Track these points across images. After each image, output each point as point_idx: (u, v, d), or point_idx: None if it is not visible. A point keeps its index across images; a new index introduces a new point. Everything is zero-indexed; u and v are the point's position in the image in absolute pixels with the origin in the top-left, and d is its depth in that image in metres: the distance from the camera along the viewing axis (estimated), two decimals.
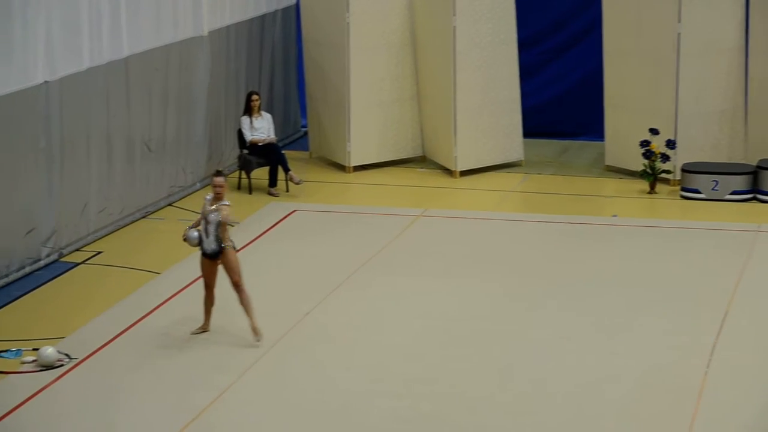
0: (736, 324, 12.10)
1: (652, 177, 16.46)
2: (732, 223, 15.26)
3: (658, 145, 16.42)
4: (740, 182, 16.11)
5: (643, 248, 14.35)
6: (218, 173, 11.71)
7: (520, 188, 17.04)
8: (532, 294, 12.93)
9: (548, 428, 10.02)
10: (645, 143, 16.46)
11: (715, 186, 16.14)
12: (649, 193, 16.47)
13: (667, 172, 16.50)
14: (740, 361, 11.30)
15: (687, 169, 16.34)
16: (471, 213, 15.78)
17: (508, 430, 10.01)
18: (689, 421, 10.13)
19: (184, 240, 11.69)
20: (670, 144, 16.44)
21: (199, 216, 11.78)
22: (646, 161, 16.45)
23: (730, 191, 16.12)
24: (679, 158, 16.54)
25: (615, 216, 15.53)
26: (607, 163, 17.47)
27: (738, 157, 16.69)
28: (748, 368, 11.14)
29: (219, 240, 11.56)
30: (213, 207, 11.63)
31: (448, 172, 17.37)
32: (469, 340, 11.74)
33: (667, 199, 16.33)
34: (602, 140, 17.56)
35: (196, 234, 11.63)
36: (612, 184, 16.95)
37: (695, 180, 16.23)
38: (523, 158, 17.72)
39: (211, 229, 11.60)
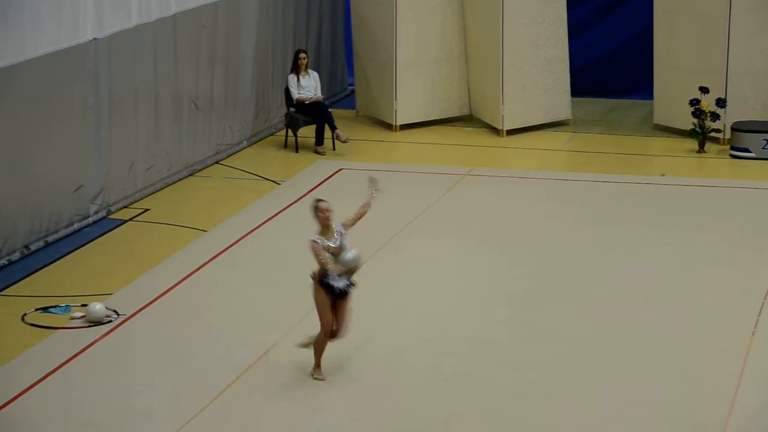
0: None
1: (702, 136, 16.32)
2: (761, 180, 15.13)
3: (707, 103, 16.26)
4: None
5: (692, 208, 14.25)
6: (320, 200, 10.17)
7: (568, 147, 16.95)
8: (577, 254, 12.88)
9: (592, 388, 10.02)
10: (694, 102, 16.31)
11: (766, 145, 15.98)
12: (698, 152, 16.34)
13: (717, 131, 16.35)
14: None
15: (737, 128, 16.19)
16: (517, 172, 15.72)
17: (550, 388, 10.01)
18: (736, 380, 10.10)
19: (346, 265, 9.99)
20: (720, 102, 16.28)
21: (322, 257, 9.97)
22: (695, 120, 16.31)
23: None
24: (729, 117, 16.38)
25: (663, 175, 15.42)
26: (655, 122, 17.34)
27: None
28: None
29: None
30: (335, 236, 10.03)
31: (495, 131, 17.30)
32: (514, 300, 11.73)
33: (716, 158, 16.19)
34: (651, 99, 17.41)
35: (352, 254, 10.02)
36: (660, 143, 16.82)
37: (745, 139, 16.08)
38: (570, 117, 17.62)
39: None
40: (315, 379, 10.10)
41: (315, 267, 10.01)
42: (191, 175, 15.58)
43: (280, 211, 14.23)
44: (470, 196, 14.83)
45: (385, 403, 9.79)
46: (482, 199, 14.76)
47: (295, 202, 14.49)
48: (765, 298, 11.70)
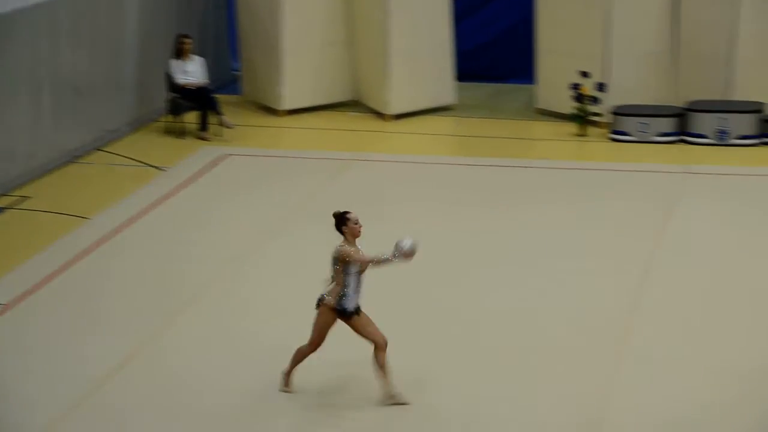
0: (664, 262, 12.26)
1: (582, 120, 16.56)
2: (660, 164, 15.41)
3: (588, 87, 16.51)
4: (668, 124, 16.26)
5: (573, 191, 14.46)
6: (348, 212, 9.64)
7: (452, 132, 17.08)
8: (461, 236, 13.00)
9: (475, 368, 10.13)
10: (575, 86, 16.54)
11: (644, 128, 16.28)
12: (579, 135, 16.58)
13: (597, 114, 16.60)
14: (668, 298, 11.48)
15: (616, 112, 16.45)
16: (404, 156, 15.80)
17: (438, 370, 10.10)
18: (616, 360, 10.29)
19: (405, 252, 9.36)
20: (600, 87, 16.53)
21: (363, 255, 9.46)
22: (576, 104, 16.54)
23: (658, 133, 16.27)
24: (610, 101, 16.64)
25: (546, 159, 15.62)
26: (538, 106, 17.55)
27: (666, 100, 16.82)
28: (675, 305, 11.31)
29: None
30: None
31: (381, 116, 17.36)
32: (401, 283, 11.79)
33: (596, 142, 16.44)
34: (534, 83, 17.62)
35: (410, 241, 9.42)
36: (543, 127, 17.03)
37: (624, 122, 16.35)
38: (455, 101, 17.75)
39: (352, 282, 9.46)
40: (283, 391, 9.63)
41: (324, 289, 9.47)
42: (73, 161, 15.38)
43: (164, 198, 14.13)
44: (358, 181, 14.87)
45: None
46: (368, 183, 14.81)
47: (180, 189, 14.40)
48: (645, 279, 11.93)
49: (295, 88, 17.54)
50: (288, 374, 9.73)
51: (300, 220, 13.49)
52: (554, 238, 12.90)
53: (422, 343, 10.55)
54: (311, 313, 10.10)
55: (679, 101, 16.65)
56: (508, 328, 10.88)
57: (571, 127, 16.69)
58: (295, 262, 12.31)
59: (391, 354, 9.50)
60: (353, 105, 17.93)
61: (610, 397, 9.70)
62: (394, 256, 9.33)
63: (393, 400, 9.49)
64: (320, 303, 9.54)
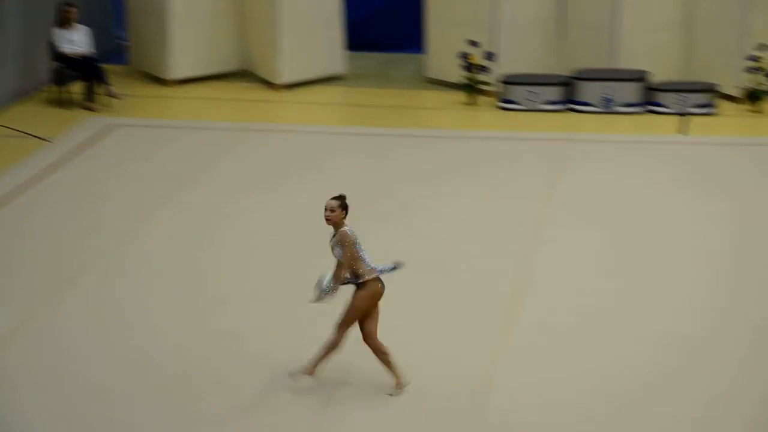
0: (553, 227, 12.41)
1: (472, 88, 16.65)
2: (548, 132, 15.56)
3: (477, 56, 16.60)
4: (555, 93, 16.43)
5: (463, 159, 14.54)
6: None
7: (342, 101, 17.06)
8: (354, 205, 13.00)
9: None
10: (464, 55, 16.62)
11: (532, 97, 16.42)
12: (469, 104, 16.67)
13: (486, 83, 16.70)
14: (558, 262, 11.62)
15: (505, 81, 16.57)
16: (294, 126, 15.75)
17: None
18: (507, 327, 10.40)
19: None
20: (489, 56, 16.63)
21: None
22: (465, 73, 16.62)
23: (546, 101, 16.43)
24: (498, 70, 16.74)
25: (436, 128, 15.69)
26: (427, 75, 17.59)
27: (554, 68, 16.98)
28: (566, 269, 11.46)
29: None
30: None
31: (272, 85, 17.27)
32: (294, 254, 11.79)
33: (485, 111, 16.54)
34: (423, 53, 17.65)
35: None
36: (432, 97, 17.09)
37: (513, 91, 16.47)
38: (345, 71, 17.72)
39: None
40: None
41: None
42: None
43: (51, 170, 13.91)
44: (249, 152, 14.78)
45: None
46: (258, 154, 14.73)
47: (66, 161, 14.19)
48: (535, 243, 12.06)
49: (183, 57, 17.36)
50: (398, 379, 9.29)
51: (190, 192, 13.38)
52: (444, 206, 12.97)
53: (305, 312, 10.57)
54: (200, 283, 10.08)
55: (565, 70, 16.82)
56: (397, 295, 10.92)
57: (461, 96, 16.77)
58: (185, 233, 12.22)
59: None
60: (244, 75, 17.80)
61: (500, 361, 9.80)
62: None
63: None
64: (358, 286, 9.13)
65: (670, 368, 9.70)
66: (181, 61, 17.37)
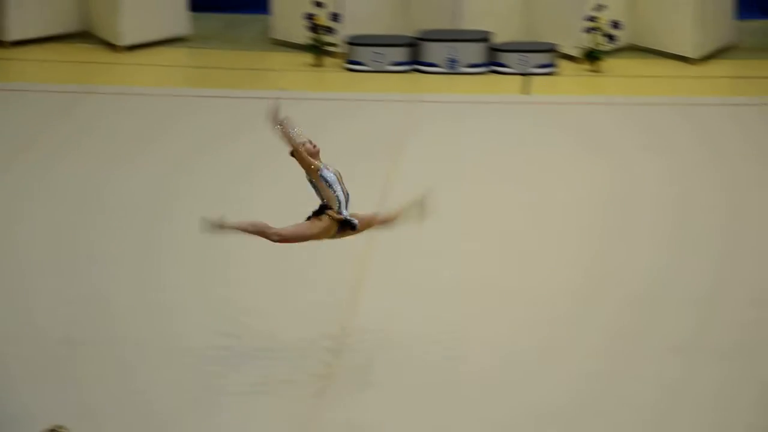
0: (400, 187, 12.50)
1: (318, 50, 16.63)
2: (395, 93, 15.65)
3: (323, 17, 16.57)
4: (401, 54, 16.53)
5: (312, 121, 14.50)
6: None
7: (187, 63, 16.86)
8: (198, 171, 12.92)
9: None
10: (310, 16, 16.58)
11: (378, 58, 16.49)
12: (315, 66, 16.65)
13: (332, 44, 16.69)
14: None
15: (351, 42, 16.60)
16: (137, 89, 15.52)
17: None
18: (357, 281, 10.48)
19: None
20: (335, 17, 16.62)
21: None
22: (311, 34, 16.58)
23: (392, 62, 16.52)
24: (344, 31, 16.75)
25: (282, 90, 15.63)
26: (273, 37, 17.50)
27: (399, 29, 17.06)
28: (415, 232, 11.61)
29: None
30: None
31: (113, 47, 16.96)
32: (130, 218, 11.66)
33: (332, 72, 16.55)
34: (269, 14, 17.54)
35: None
36: (279, 58, 17.01)
37: (359, 52, 16.51)
38: (189, 32, 17.50)
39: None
40: None
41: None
42: None
43: None
44: (87, 115, 14.52)
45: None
46: (100, 117, 14.48)
47: None
48: (383, 204, 12.14)
49: (19, 17, 16.91)
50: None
51: (27, 156, 13.08)
52: (291, 168, 12.92)
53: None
54: (40, 247, 9.87)
55: (411, 31, 16.93)
56: (255, 257, 10.91)
57: (307, 58, 16.74)
58: (21, 200, 11.97)
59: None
60: (84, 36, 17.43)
61: (355, 308, 9.88)
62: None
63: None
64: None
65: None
66: (16, 22, 16.91)
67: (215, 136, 13.87)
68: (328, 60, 16.75)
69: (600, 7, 16.35)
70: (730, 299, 10.24)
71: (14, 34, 16.97)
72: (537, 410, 8.63)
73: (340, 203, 9.21)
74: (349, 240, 11.27)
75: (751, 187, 12.48)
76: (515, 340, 9.61)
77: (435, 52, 16.48)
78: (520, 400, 8.76)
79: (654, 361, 9.23)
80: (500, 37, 16.67)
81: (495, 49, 16.51)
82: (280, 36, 17.40)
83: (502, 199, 12.31)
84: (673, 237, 11.41)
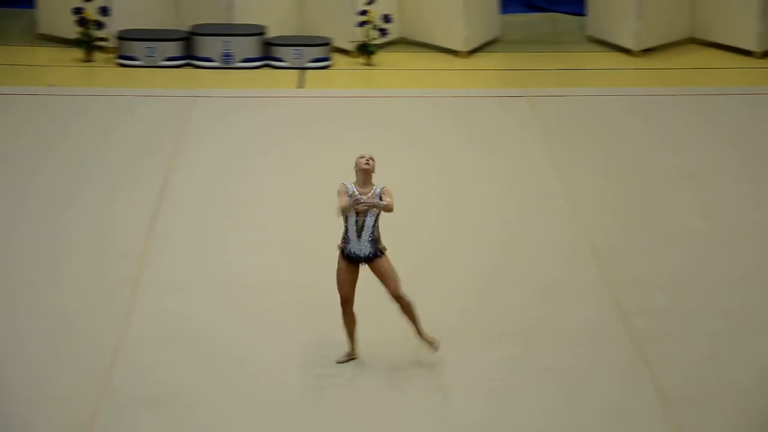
0: (179, 184, 12.39)
1: (87, 45, 16.28)
2: (170, 89, 15.46)
3: (91, 12, 16.23)
4: (174, 48, 16.34)
5: (86, 118, 14.22)
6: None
7: None
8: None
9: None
10: (78, 10, 16.21)
11: (151, 52, 16.26)
12: (85, 61, 16.29)
13: (103, 39, 16.37)
14: (182, 219, 11.63)
15: (122, 36, 16.32)
16: None
17: None
18: (134, 282, 10.34)
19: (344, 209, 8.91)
20: (104, 11, 16.32)
21: (343, 204, 8.92)
22: (80, 29, 16.22)
23: (166, 57, 16.32)
24: (115, 25, 16.44)
25: (52, 86, 15.25)
26: (40, 32, 17.02)
27: (172, 24, 16.86)
28: (191, 226, 11.49)
29: (376, 240, 9.00)
30: (367, 192, 8.99)
31: None
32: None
33: (104, 67, 16.23)
34: (34, 7, 17.05)
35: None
36: (47, 53, 16.57)
37: (131, 47, 16.25)
38: None
39: (369, 223, 8.96)
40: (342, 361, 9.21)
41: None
42: None
43: None
44: None
45: None
46: None
47: None
48: (161, 202, 12.01)
49: None
50: (353, 350, 9.23)
51: None
52: (77, 166, 12.68)
53: None
54: None
55: (184, 25, 16.74)
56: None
57: (77, 53, 16.36)
58: None
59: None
60: None
61: (131, 311, 9.76)
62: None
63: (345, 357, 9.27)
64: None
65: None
66: None
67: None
68: (99, 55, 16.41)
69: (371, 1, 16.54)
70: (511, 285, 10.54)
71: None
72: None
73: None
74: (127, 238, 11.11)
75: (515, 176, 12.84)
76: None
77: (209, 46, 16.36)
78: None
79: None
80: (275, 32, 16.67)
81: (270, 44, 16.50)
82: (46, 30, 16.94)
83: (279, 192, 12.32)
84: (445, 227, 11.66)
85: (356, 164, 9.08)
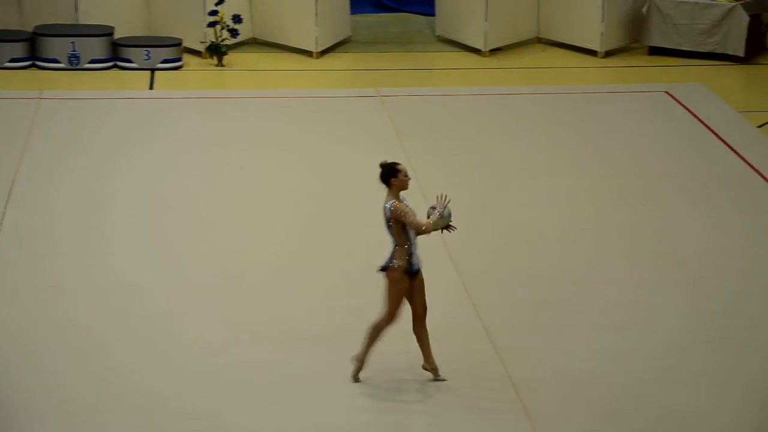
0: (24, 188, 12.17)
1: None
2: (14, 90, 15.11)
3: None
4: (19, 49, 15.98)
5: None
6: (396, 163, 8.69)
7: None
8: None
9: None
10: None
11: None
12: None
13: None
14: (30, 220, 11.41)
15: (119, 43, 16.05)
16: None
17: None
18: None
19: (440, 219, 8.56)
20: None
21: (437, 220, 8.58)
22: None
23: (10, 59, 15.95)
24: None
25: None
26: None
27: (14, 24, 16.47)
28: (40, 228, 11.26)
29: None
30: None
31: None
32: None
33: None
34: None
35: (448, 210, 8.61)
36: None
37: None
38: None
39: (414, 234, 8.61)
40: (355, 379, 8.82)
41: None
42: None
43: None
44: None
45: None
46: None
47: None
48: (7, 206, 11.76)
49: None
50: (362, 358, 8.81)
51: None
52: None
53: None
54: None
55: (28, 26, 16.37)
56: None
57: None
58: None
59: None
60: None
61: None
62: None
63: (433, 374, 8.87)
64: (388, 269, 8.54)
65: None
66: None
67: None
68: None
69: (221, 1, 16.38)
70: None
71: None
72: None
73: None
74: None
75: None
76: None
77: (55, 47, 16.03)
78: None
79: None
80: (122, 32, 16.40)
81: (118, 44, 16.24)
82: None
83: (128, 195, 12.16)
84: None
85: (401, 181, 8.57)
